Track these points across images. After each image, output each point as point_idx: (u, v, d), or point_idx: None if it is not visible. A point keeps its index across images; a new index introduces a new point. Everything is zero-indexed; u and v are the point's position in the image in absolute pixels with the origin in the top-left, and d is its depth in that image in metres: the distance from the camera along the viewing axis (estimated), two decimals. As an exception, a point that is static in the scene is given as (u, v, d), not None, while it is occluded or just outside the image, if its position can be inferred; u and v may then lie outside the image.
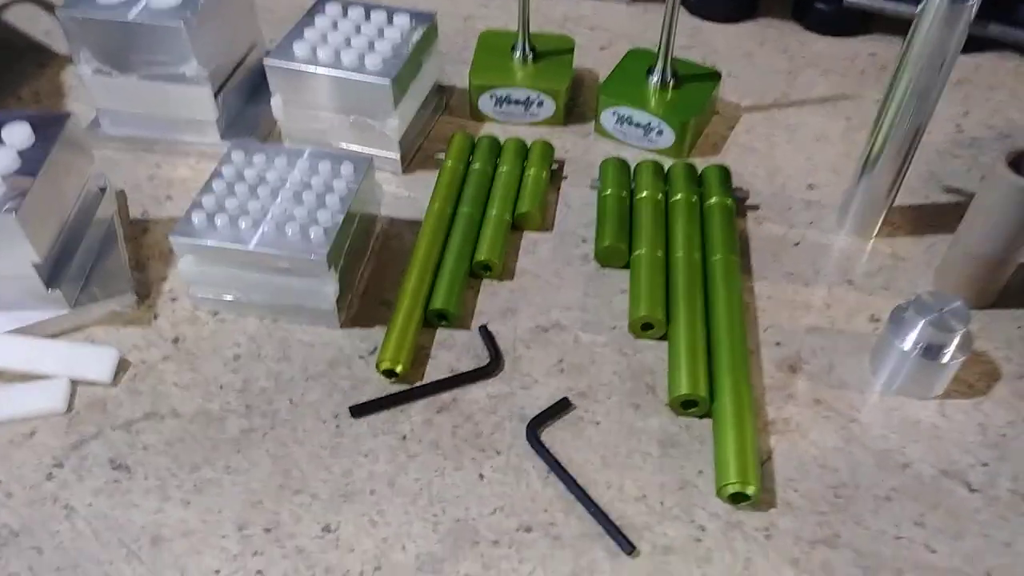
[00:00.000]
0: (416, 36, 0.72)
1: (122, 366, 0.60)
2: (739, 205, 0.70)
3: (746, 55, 0.87)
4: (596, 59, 0.87)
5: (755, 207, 0.71)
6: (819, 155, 0.76)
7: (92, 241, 0.65)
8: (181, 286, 0.65)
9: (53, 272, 0.61)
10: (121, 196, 0.72)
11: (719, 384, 0.56)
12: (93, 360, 0.59)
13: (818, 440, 0.55)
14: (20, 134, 0.60)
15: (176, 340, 0.62)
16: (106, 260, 0.65)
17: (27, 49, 0.91)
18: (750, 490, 0.51)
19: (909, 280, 0.65)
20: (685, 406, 0.56)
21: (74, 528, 0.52)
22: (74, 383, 0.59)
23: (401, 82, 0.69)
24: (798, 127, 0.79)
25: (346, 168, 0.63)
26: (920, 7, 0.55)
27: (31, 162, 0.59)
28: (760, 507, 0.52)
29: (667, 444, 0.55)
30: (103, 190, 0.67)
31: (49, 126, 0.62)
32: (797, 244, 0.68)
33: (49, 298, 0.61)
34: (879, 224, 0.68)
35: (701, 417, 0.56)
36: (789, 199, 0.72)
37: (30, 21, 0.95)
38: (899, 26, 0.88)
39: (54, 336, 0.62)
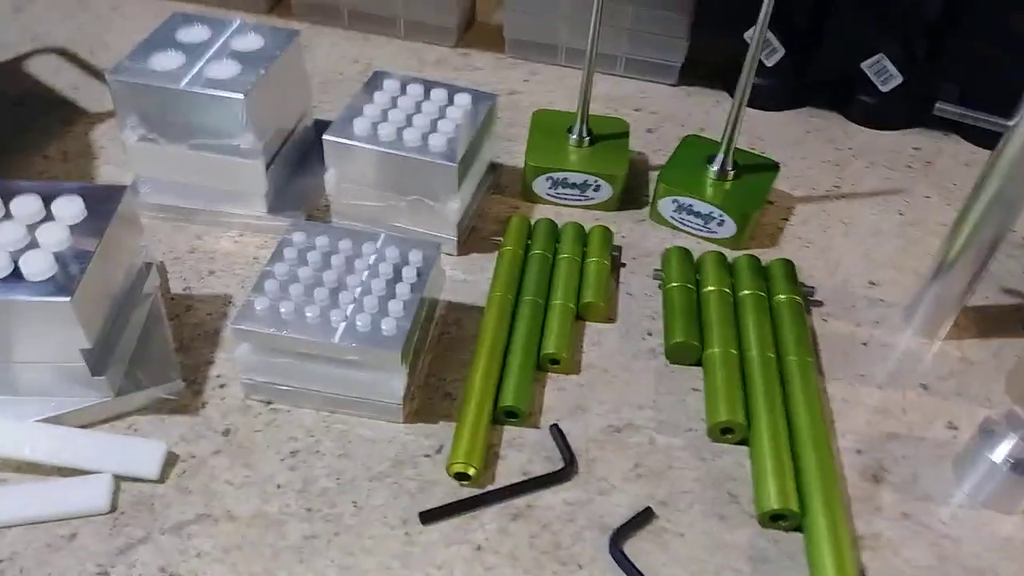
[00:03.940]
0: (479, 117, 0.70)
1: (169, 460, 0.56)
2: (805, 301, 0.69)
3: (793, 144, 0.87)
4: (644, 142, 0.86)
5: (819, 303, 0.70)
6: (877, 250, 0.75)
7: (137, 321, 0.62)
8: (231, 371, 0.61)
9: (99, 357, 0.57)
10: (162, 270, 0.69)
11: (809, 498, 0.53)
12: (139, 454, 0.55)
13: (912, 559, 0.53)
14: (72, 208, 0.57)
15: (227, 432, 0.58)
16: (150, 342, 0.62)
17: (53, 104, 0.87)
18: (856, 618, 0.48)
19: (982, 385, 0.64)
20: (774, 519, 0.54)
21: (123, 647, 0.47)
22: (118, 479, 0.55)
23: (464, 164, 0.67)
24: (853, 221, 0.78)
25: (414, 254, 0.61)
26: (1015, 121, 0.55)
27: (84, 239, 0.55)
28: (862, 635, 0.49)
29: (757, 560, 0.52)
30: (149, 265, 0.64)
31: (102, 200, 0.58)
32: (865, 344, 0.67)
33: (91, 384, 0.57)
34: (948, 326, 0.67)
35: (788, 531, 0.54)
36: (852, 296, 0.70)
37: (54, 73, 0.91)
38: (943, 122, 0.88)
39: (93, 425, 0.57)
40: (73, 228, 0.56)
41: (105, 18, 1.01)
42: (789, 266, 0.70)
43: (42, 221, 0.56)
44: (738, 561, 0.52)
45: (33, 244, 0.54)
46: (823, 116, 0.91)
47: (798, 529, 0.54)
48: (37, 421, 0.56)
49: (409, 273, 0.59)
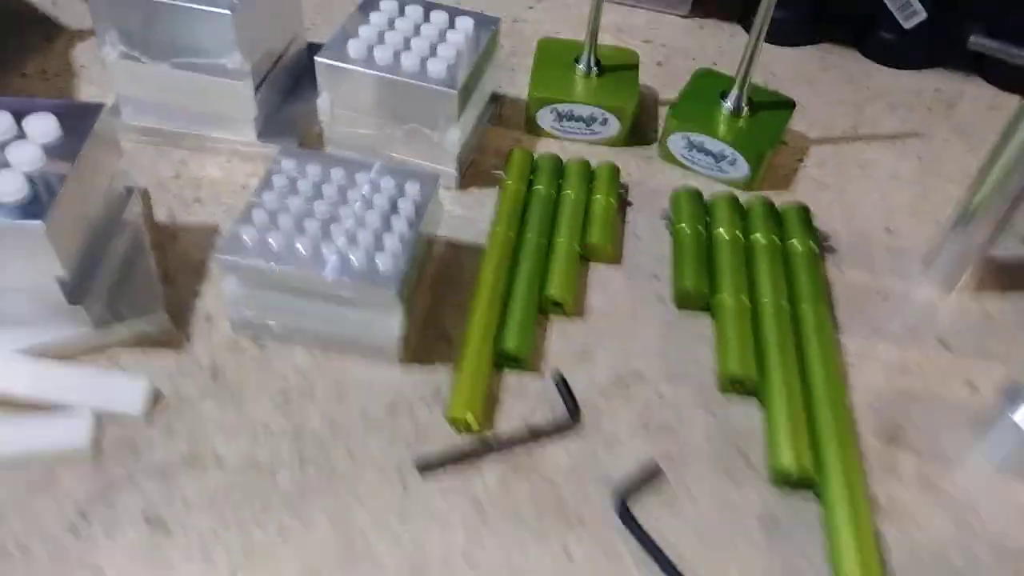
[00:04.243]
0: (481, 42, 0.65)
1: (154, 399, 0.53)
2: (819, 248, 0.66)
3: (809, 82, 0.83)
4: (653, 75, 0.81)
5: (833, 250, 0.67)
6: (894, 196, 0.72)
7: (118, 250, 0.58)
8: (218, 306, 0.58)
9: (77, 286, 0.53)
10: (145, 197, 0.65)
11: (825, 460, 0.51)
12: (121, 389, 0.52)
13: (930, 528, 0.51)
14: (45, 126, 0.52)
15: (214, 370, 0.55)
16: (132, 272, 0.58)
17: (32, 20, 0.81)
18: (872, 587, 0.46)
19: (1003, 342, 0.61)
20: (787, 480, 0.51)
21: (105, 596, 0.45)
22: (99, 418, 0.52)
23: (465, 92, 0.63)
24: (869, 164, 0.75)
25: (411, 186, 0.57)
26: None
27: (58, 160, 0.51)
28: (876, 601, 0.47)
29: (768, 523, 0.50)
30: (130, 190, 0.60)
31: (78, 117, 0.54)
32: (881, 294, 0.64)
33: (69, 315, 0.53)
34: (967, 278, 0.64)
35: (800, 489, 0.52)
36: (868, 243, 0.68)
37: (29, -15, 0.85)
38: (966, 63, 0.85)
39: (72, 358, 0.54)
40: (46, 148, 0.52)
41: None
42: (804, 211, 0.66)
43: (13, 139, 0.51)
44: (748, 523, 0.50)
45: (3, 164, 0.50)
46: (840, 53, 0.87)
47: (811, 487, 0.52)
48: (12, 351, 0.53)
49: (406, 206, 0.55)
